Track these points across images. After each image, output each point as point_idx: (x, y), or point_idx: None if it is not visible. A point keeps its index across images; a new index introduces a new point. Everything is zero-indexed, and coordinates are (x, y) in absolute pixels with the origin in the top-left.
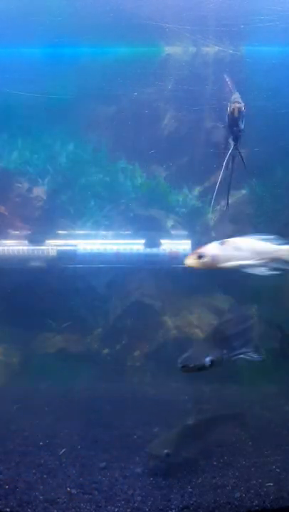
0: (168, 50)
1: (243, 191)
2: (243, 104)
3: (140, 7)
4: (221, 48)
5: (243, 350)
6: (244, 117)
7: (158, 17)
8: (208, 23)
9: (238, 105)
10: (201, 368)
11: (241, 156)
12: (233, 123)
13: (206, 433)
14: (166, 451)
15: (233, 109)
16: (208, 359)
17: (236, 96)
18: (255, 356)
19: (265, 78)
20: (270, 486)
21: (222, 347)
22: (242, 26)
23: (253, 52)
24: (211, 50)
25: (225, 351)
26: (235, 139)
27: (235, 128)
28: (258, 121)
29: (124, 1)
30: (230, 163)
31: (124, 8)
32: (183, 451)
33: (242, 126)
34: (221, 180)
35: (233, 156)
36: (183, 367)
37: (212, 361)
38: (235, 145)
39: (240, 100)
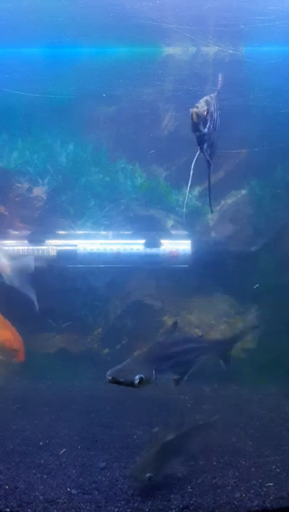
0: (168, 50)
1: (243, 191)
2: (204, 108)
3: (140, 7)
4: (221, 48)
5: (167, 374)
6: (207, 122)
7: (158, 17)
8: (208, 23)
9: (195, 110)
10: (130, 384)
11: (208, 161)
12: (193, 128)
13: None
14: (148, 474)
15: (191, 114)
16: (137, 377)
17: (202, 100)
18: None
19: (265, 78)
20: (270, 486)
21: (152, 367)
22: (242, 26)
23: (253, 52)
24: (211, 50)
25: (153, 372)
26: (200, 143)
27: (197, 133)
28: (257, 121)
29: (124, 1)
30: (209, 168)
31: (124, 8)
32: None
33: (205, 130)
34: (190, 184)
35: (207, 161)
36: (112, 378)
37: (141, 379)
38: (201, 148)
39: (201, 105)
